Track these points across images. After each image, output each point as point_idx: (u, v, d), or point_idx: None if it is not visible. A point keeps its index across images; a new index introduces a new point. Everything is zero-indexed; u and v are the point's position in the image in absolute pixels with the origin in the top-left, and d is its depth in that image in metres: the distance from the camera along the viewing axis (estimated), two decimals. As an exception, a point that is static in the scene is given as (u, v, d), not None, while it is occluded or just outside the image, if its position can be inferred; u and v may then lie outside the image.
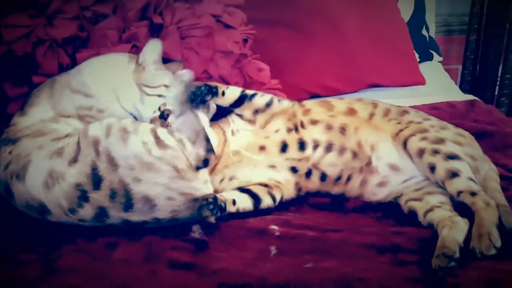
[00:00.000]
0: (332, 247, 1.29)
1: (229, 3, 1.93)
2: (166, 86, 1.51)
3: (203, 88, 1.50)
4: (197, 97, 1.49)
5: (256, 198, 1.44)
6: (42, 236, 1.35)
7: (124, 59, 1.54)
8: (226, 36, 1.81)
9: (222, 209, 1.35)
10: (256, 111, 1.56)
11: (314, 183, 1.51)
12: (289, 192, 1.51)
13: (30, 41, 1.65)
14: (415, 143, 1.43)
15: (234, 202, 1.40)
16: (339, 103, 1.60)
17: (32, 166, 1.34)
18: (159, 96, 1.50)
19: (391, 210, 1.44)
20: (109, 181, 1.30)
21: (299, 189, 1.52)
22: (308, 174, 1.51)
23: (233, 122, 1.58)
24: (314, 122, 1.53)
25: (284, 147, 1.51)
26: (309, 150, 1.50)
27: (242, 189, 1.45)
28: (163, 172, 1.33)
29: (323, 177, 1.50)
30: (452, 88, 2.28)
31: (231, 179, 1.50)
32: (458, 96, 2.13)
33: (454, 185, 1.36)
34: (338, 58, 2.09)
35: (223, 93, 1.54)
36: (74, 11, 1.73)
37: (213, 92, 1.52)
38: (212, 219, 1.33)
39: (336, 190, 1.51)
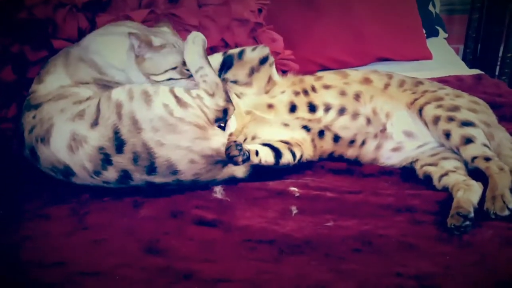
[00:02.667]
0: (351, 207, 1.33)
1: (246, -25, 1.95)
2: (173, 68, 1.45)
3: None
4: None
5: (277, 152, 1.46)
6: (70, 195, 1.39)
7: (124, 42, 1.46)
8: (242, 5, 1.84)
9: (247, 156, 1.37)
10: (252, 71, 1.55)
11: (328, 143, 1.54)
12: (308, 150, 1.53)
13: (50, 5, 1.66)
14: (430, 111, 1.47)
15: (257, 153, 1.42)
16: (355, 72, 1.64)
17: (55, 130, 1.36)
18: (169, 79, 1.46)
19: (405, 175, 1.48)
20: (132, 144, 1.32)
21: (315, 147, 1.55)
22: (321, 134, 1.54)
23: (231, 89, 1.57)
24: (326, 87, 1.57)
25: (293, 108, 1.54)
26: (320, 112, 1.54)
27: (264, 144, 1.47)
28: (186, 133, 1.36)
29: (336, 138, 1.54)
30: (458, 63, 2.32)
31: (253, 138, 1.52)
32: (464, 70, 2.17)
33: (469, 151, 1.40)
34: (348, 31, 2.12)
35: None
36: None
37: None
38: (239, 159, 1.35)
39: (350, 153, 1.54)
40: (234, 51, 1.55)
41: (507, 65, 2.70)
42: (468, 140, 1.41)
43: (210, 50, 1.73)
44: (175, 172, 1.35)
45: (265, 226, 1.27)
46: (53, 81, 1.47)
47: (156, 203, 1.35)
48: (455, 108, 1.47)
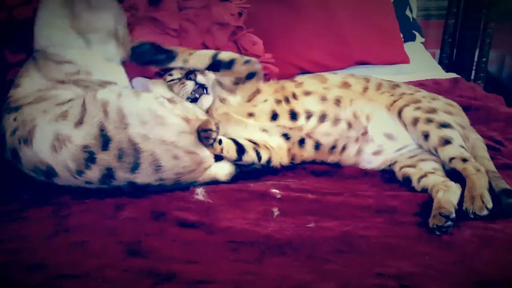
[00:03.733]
0: (332, 209, 1.34)
1: (227, -23, 1.96)
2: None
3: (148, 47, 1.47)
4: (142, 56, 1.48)
5: (240, 148, 1.46)
6: (50, 197, 1.38)
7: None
8: (223, 8, 1.85)
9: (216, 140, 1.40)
10: (237, 82, 1.55)
11: (308, 152, 1.56)
12: (282, 158, 1.54)
13: (30, 7, 1.65)
14: (409, 113, 1.49)
15: (220, 141, 1.43)
16: (333, 76, 1.65)
17: (38, 130, 1.36)
18: None
19: (385, 176, 1.50)
20: (117, 141, 1.33)
21: (293, 157, 1.56)
22: (301, 142, 1.55)
23: (214, 87, 1.58)
24: (307, 93, 1.58)
25: (274, 116, 1.55)
26: (301, 120, 1.54)
27: (229, 138, 1.48)
28: (172, 126, 1.37)
29: (317, 145, 1.55)
30: (434, 67, 2.35)
31: (223, 135, 1.51)
32: (441, 74, 2.21)
33: (447, 152, 1.42)
34: (327, 35, 2.14)
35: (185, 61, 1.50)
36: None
37: (162, 52, 1.48)
38: (213, 135, 1.38)
39: (331, 158, 1.56)
40: (224, 58, 1.52)
41: (482, 69, 2.75)
42: (447, 141, 1.43)
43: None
44: (158, 168, 1.35)
45: (247, 227, 1.27)
46: (29, 83, 1.48)
47: (138, 205, 1.34)
48: (433, 110, 1.49)
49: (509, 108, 1.86)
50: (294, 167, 1.55)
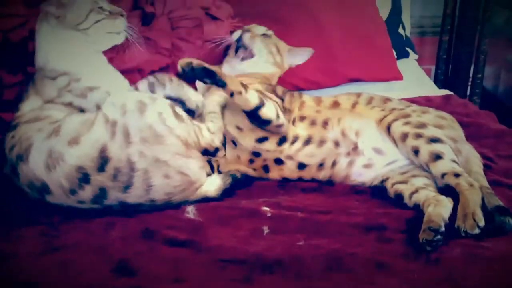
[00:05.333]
0: (322, 227, 1.35)
1: (217, -4, 1.99)
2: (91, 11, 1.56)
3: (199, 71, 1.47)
4: (191, 77, 1.49)
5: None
6: (42, 215, 1.39)
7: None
8: (215, 27, 1.87)
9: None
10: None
11: (290, 170, 1.56)
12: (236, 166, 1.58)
13: (25, 30, 1.67)
14: (398, 128, 1.49)
15: None
16: (327, 98, 1.67)
17: (34, 148, 1.38)
18: (96, 22, 1.56)
19: (375, 194, 1.50)
20: (116, 160, 1.34)
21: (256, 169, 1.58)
22: (278, 161, 1.56)
23: None
24: (302, 119, 1.59)
25: (263, 139, 1.56)
26: (286, 145, 1.56)
27: None
28: (170, 145, 1.38)
29: (301, 166, 1.56)
30: (427, 84, 2.36)
31: None
32: (434, 91, 2.22)
33: (438, 167, 1.42)
34: (320, 52, 2.13)
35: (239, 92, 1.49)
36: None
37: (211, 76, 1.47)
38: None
39: (322, 174, 1.56)
40: (264, 115, 1.52)
41: (477, 85, 2.76)
42: (437, 157, 1.43)
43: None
44: (149, 188, 1.36)
45: (237, 245, 1.27)
46: (27, 105, 1.50)
47: (127, 223, 1.35)
48: (422, 125, 1.49)
49: (501, 125, 1.87)
50: (285, 184, 1.56)
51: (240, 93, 1.48)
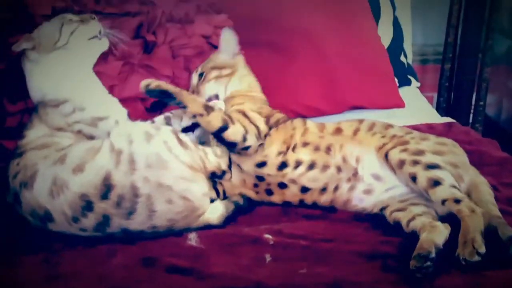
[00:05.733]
0: (324, 255, 1.34)
1: (219, 25, 2.01)
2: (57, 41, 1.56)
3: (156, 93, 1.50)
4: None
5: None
6: (44, 242, 1.38)
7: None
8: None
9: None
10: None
11: (292, 193, 1.57)
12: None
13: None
14: (395, 155, 1.49)
15: None
16: (330, 124, 1.67)
17: (39, 175, 1.38)
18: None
19: (378, 221, 1.49)
20: (120, 187, 1.34)
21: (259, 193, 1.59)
22: (282, 185, 1.57)
23: None
24: (305, 144, 1.59)
25: (261, 164, 1.58)
26: (288, 169, 1.56)
27: None
28: (174, 169, 1.39)
29: (304, 189, 1.56)
30: (429, 111, 2.37)
31: None
32: (436, 118, 2.23)
33: (438, 194, 1.41)
34: (322, 80, 2.16)
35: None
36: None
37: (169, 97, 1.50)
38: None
39: (324, 199, 1.56)
40: (229, 137, 1.54)
41: (480, 113, 2.77)
42: (436, 183, 1.42)
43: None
44: (152, 213, 1.36)
45: (239, 273, 1.27)
46: (33, 133, 1.51)
47: (129, 251, 1.34)
48: (420, 152, 1.49)
49: (503, 152, 1.87)
50: (288, 211, 1.56)
51: (201, 115, 1.51)
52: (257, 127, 1.60)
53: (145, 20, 1.87)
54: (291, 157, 1.57)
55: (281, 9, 2.23)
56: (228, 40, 1.77)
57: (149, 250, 1.34)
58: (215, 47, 1.95)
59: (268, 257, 1.33)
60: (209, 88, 1.73)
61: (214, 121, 1.52)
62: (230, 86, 1.75)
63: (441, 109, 2.79)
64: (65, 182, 1.36)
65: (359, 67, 2.21)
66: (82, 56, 1.59)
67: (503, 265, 1.27)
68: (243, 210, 1.55)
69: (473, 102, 2.79)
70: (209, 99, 1.70)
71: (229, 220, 1.48)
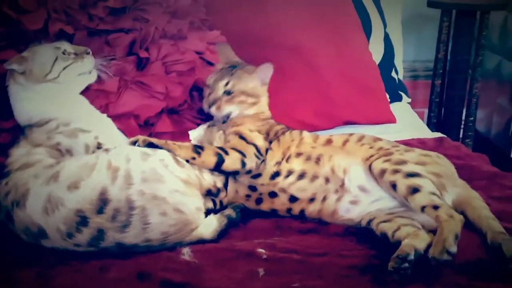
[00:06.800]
0: (317, 269, 1.35)
1: (212, 41, 2.03)
2: (55, 60, 1.60)
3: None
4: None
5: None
6: (37, 257, 1.38)
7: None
8: (208, 71, 1.90)
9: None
10: None
11: (281, 202, 1.60)
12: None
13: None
14: (378, 165, 1.52)
15: None
16: (323, 136, 1.71)
17: (31, 194, 1.39)
18: (64, 69, 1.60)
19: (369, 235, 1.50)
20: (116, 201, 1.36)
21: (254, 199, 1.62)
22: (272, 194, 1.60)
23: None
24: (298, 155, 1.63)
25: (256, 175, 1.61)
26: (279, 179, 1.60)
27: None
28: (169, 183, 1.42)
29: (293, 199, 1.59)
30: (420, 127, 2.39)
31: None
32: (427, 134, 2.25)
33: (417, 200, 1.42)
34: (315, 96, 2.18)
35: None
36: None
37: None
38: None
39: (312, 208, 1.58)
40: (228, 167, 1.59)
41: (470, 128, 2.80)
42: (415, 190, 1.43)
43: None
44: (146, 226, 1.37)
45: (233, 287, 1.27)
46: (17, 151, 1.53)
47: (123, 266, 1.34)
48: (402, 162, 1.51)
49: (493, 167, 1.89)
50: (280, 225, 1.57)
51: (193, 158, 1.55)
52: (255, 146, 1.63)
53: (138, 36, 1.88)
54: (284, 167, 1.61)
55: (274, 26, 2.26)
56: (265, 72, 1.76)
57: (143, 265, 1.34)
58: (208, 63, 1.98)
59: (261, 271, 1.34)
60: (230, 108, 1.73)
61: (208, 160, 1.56)
62: (246, 111, 1.76)
63: (432, 125, 2.82)
64: (60, 199, 1.36)
65: (351, 83, 2.24)
66: (70, 86, 1.64)
67: (507, 282, 1.28)
68: (236, 223, 1.56)
69: (463, 118, 2.82)
70: (225, 115, 1.74)
71: (222, 234, 1.49)
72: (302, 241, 1.47)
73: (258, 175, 1.61)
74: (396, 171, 1.48)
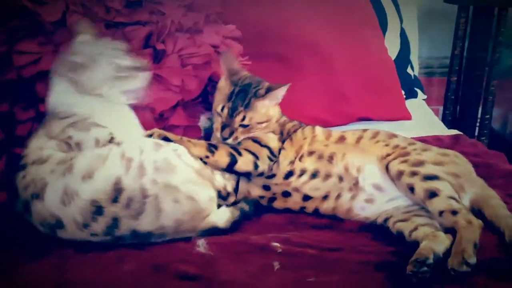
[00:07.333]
0: (332, 264, 1.35)
1: (228, 35, 2.03)
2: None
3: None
4: None
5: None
6: (54, 250, 1.39)
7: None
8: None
9: None
10: None
11: (294, 201, 1.59)
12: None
13: (38, 68, 1.70)
14: (395, 166, 1.50)
15: None
16: (336, 132, 1.69)
17: (49, 187, 1.40)
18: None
19: (384, 232, 1.49)
20: (130, 190, 1.37)
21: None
22: (286, 194, 1.60)
23: None
24: (311, 153, 1.62)
25: (271, 175, 1.61)
26: (292, 178, 1.59)
27: None
28: (182, 173, 1.43)
29: (306, 197, 1.58)
30: (436, 124, 2.38)
31: None
32: (443, 131, 2.24)
33: (434, 205, 1.41)
34: (329, 91, 2.18)
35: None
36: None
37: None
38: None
39: (325, 206, 1.57)
40: (241, 168, 1.59)
41: (485, 126, 2.77)
42: (432, 194, 1.42)
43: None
44: (159, 213, 1.38)
45: (247, 281, 1.27)
46: (34, 143, 1.52)
47: (138, 257, 1.35)
48: (420, 163, 1.50)
49: (510, 165, 1.87)
50: (295, 221, 1.56)
51: (206, 157, 1.54)
52: (268, 148, 1.62)
53: (155, 29, 1.88)
54: (298, 166, 1.60)
55: (288, 21, 2.25)
56: (282, 93, 1.68)
57: (159, 257, 1.35)
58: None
59: (276, 265, 1.34)
60: (246, 135, 1.66)
61: (220, 159, 1.56)
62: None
63: (447, 122, 2.80)
64: (75, 190, 1.37)
65: (366, 79, 2.23)
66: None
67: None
68: (249, 216, 1.56)
69: (479, 115, 2.80)
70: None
71: (235, 225, 1.50)
72: (317, 236, 1.47)
73: (273, 176, 1.60)
74: (413, 173, 1.47)
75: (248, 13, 2.23)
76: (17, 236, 1.46)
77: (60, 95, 1.56)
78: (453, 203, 1.40)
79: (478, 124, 2.82)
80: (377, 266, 1.33)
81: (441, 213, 1.40)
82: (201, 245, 1.40)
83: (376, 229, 1.51)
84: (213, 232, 1.45)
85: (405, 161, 1.50)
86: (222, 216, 1.49)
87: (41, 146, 1.50)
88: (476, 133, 2.84)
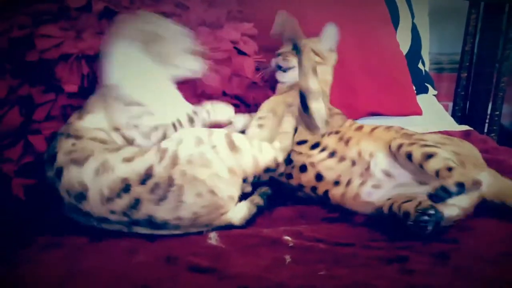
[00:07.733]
0: (343, 258, 1.35)
1: (245, 33, 2.05)
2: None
3: None
4: None
5: None
6: (67, 238, 1.41)
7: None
8: (242, 61, 1.93)
9: None
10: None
11: (307, 178, 1.63)
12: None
13: (59, 52, 1.72)
14: (396, 142, 1.53)
15: None
16: (356, 122, 1.76)
17: (93, 157, 1.44)
18: None
19: (396, 226, 1.50)
20: (158, 177, 1.39)
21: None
22: (303, 168, 1.63)
23: None
24: (337, 132, 1.68)
25: (302, 141, 1.67)
26: (315, 151, 1.64)
27: None
28: (212, 168, 1.44)
29: (319, 177, 1.61)
30: (447, 119, 2.38)
31: None
32: (453, 126, 2.24)
33: (431, 165, 1.40)
34: (340, 86, 2.17)
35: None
36: (101, 27, 1.82)
37: None
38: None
39: (335, 191, 1.59)
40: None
41: (495, 122, 2.77)
42: (429, 156, 1.43)
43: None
44: (179, 204, 1.39)
45: (259, 274, 1.28)
46: (91, 120, 1.55)
47: (151, 248, 1.36)
48: (420, 139, 1.53)
49: (521, 161, 1.87)
50: (306, 214, 1.57)
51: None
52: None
53: (178, 21, 1.88)
54: (324, 140, 1.66)
55: (301, 17, 2.24)
56: (329, 34, 1.90)
57: (171, 249, 1.36)
58: (241, 53, 1.99)
59: (288, 259, 1.35)
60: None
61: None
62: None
63: (456, 118, 2.79)
64: (112, 166, 1.41)
65: (377, 74, 2.23)
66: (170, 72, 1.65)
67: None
68: (262, 210, 1.57)
69: (489, 112, 2.79)
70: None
71: (249, 222, 1.51)
72: (328, 230, 1.47)
73: (304, 141, 1.67)
74: (412, 144, 1.49)
75: (265, 9, 2.23)
76: (31, 224, 1.47)
77: (121, 69, 1.57)
78: (450, 162, 1.40)
79: (487, 121, 2.82)
80: (389, 260, 1.34)
81: (437, 173, 1.39)
82: (213, 237, 1.41)
83: (387, 223, 1.51)
84: (226, 228, 1.46)
85: (407, 138, 1.54)
86: (238, 214, 1.50)
87: (102, 128, 1.53)
88: (486, 130, 2.84)
